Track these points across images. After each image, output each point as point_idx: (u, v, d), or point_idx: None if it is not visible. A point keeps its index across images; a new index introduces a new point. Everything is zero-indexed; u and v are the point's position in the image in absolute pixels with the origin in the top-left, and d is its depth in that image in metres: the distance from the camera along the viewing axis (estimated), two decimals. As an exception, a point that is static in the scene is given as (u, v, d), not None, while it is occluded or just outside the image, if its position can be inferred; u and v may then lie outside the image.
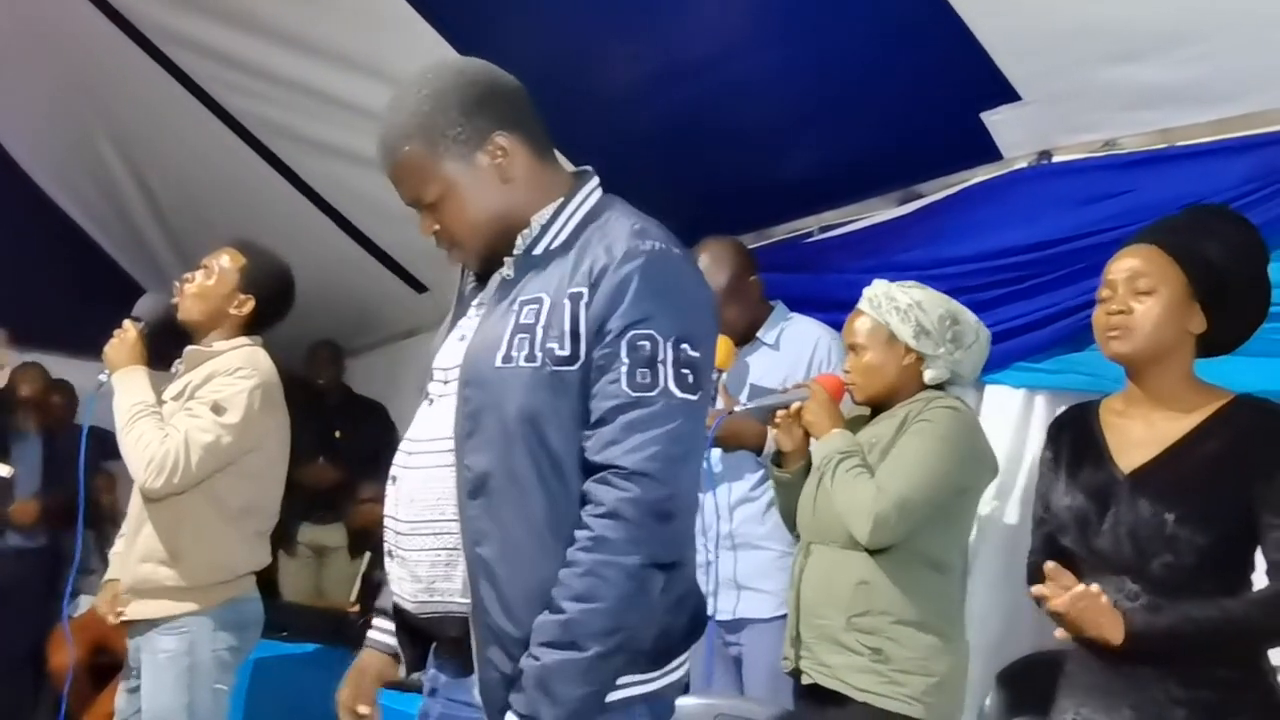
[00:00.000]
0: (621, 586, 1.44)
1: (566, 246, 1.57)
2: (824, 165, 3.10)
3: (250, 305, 2.78)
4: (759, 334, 2.85)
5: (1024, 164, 2.81)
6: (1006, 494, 2.72)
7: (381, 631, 1.74)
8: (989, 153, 2.85)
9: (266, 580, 3.20)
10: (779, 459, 2.46)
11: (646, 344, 1.47)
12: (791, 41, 2.80)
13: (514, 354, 1.51)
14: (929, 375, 2.34)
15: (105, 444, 2.94)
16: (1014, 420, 2.74)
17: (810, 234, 3.27)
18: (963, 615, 2.35)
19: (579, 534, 1.47)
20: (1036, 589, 1.82)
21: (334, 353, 5.00)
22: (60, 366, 4.86)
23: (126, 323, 2.76)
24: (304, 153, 4.07)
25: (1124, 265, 1.88)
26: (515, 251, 1.60)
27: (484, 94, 1.59)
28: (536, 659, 1.44)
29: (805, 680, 2.28)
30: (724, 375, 2.72)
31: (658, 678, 1.54)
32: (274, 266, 2.85)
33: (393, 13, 3.15)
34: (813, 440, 2.37)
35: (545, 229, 1.60)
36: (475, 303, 1.66)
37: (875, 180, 3.12)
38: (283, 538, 4.57)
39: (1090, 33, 2.43)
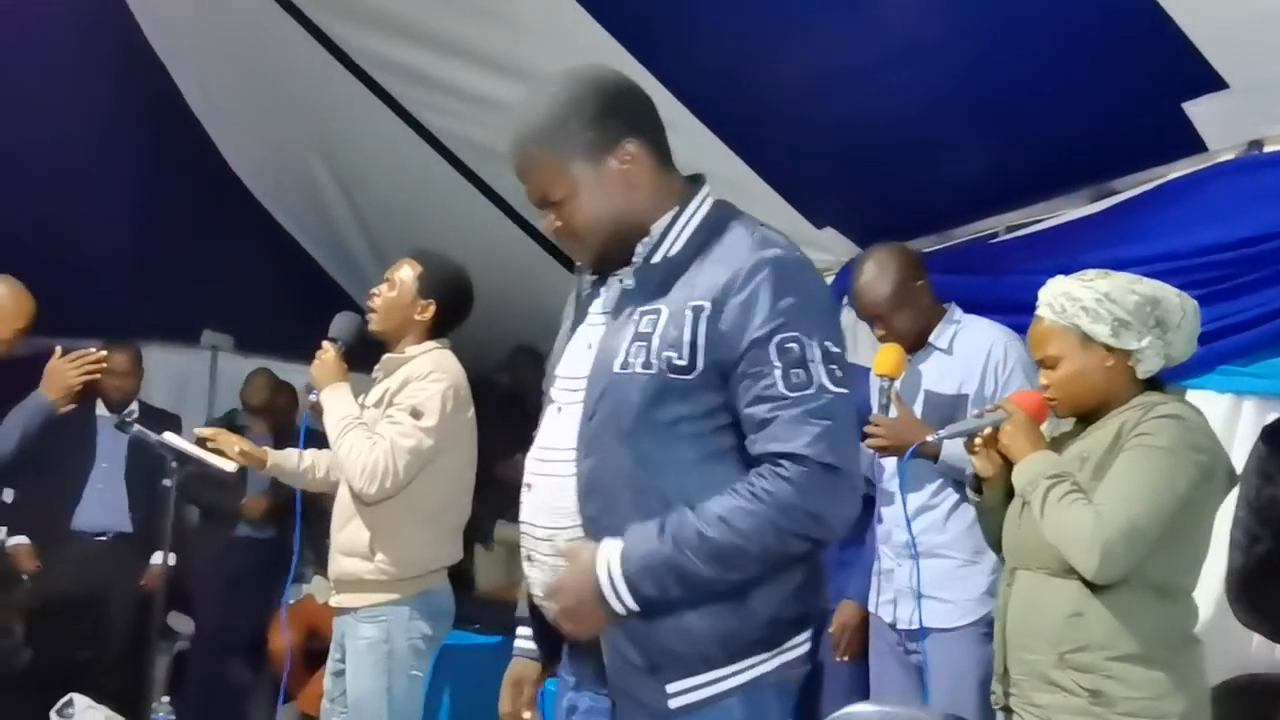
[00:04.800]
0: (768, 541, 1.53)
1: (684, 255, 1.64)
2: (1010, 163, 3.00)
3: (432, 309, 2.93)
4: (931, 339, 2.78)
5: (1230, 155, 2.65)
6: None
7: (526, 639, 1.83)
8: (1191, 145, 2.69)
9: (462, 573, 3.35)
10: (977, 484, 2.31)
11: (795, 346, 1.54)
12: (979, 35, 2.73)
13: (631, 360, 1.60)
14: (1142, 370, 2.09)
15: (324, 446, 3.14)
16: (1218, 427, 2.55)
17: (995, 234, 3.16)
18: (1195, 647, 2.08)
19: (754, 480, 1.53)
20: None
21: (534, 357, 5.19)
22: (282, 371, 5.26)
23: (325, 343, 2.95)
24: (494, 165, 4.24)
25: None
26: (635, 260, 1.66)
27: (617, 101, 1.65)
28: (665, 545, 1.52)
29: (1015, 718, 2.15)
30: (897, 383, 2.67)
31: (775, 655, 1.60)
32: (450, 270, 2.99)
33: (576, 26, 3.24)
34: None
35: (663, 237, 1.66)
36: (595, 310, 1.73)
37: (1066, 177, 2.99)
38: (479, 533, 4.77)
39: (1303, 14, 2.27)
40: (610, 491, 1.58)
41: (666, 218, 1.66)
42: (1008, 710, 2.17)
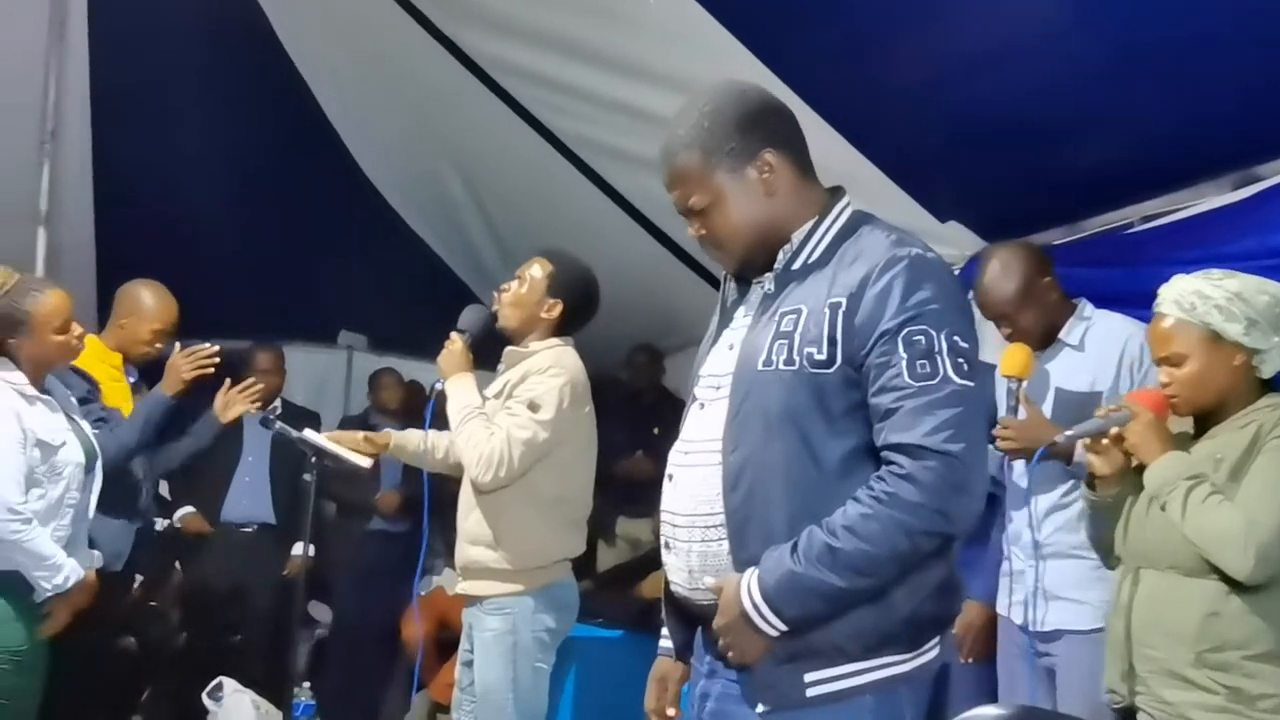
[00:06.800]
0: (897, 543, 1.56)
1: (823, 260, 1.70)
2: (1147, 150, 2.87)
3: (559, 309, 2.99)
4: (1061, 335, 2.70)
5: (1386, 137, 2.50)
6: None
7: (668, 638, 1.89)
8: (1345, 127, 2.55)
9: (585, 568, 3.40)
10: (1091, 482, 2.28)
11: (922, 338, 1.58)
12: (1114, 19, 2.62)
13: (774, 358, 1.65)
14: (1266, 370, 2.09)
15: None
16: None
17: (1129, 225, 3.04)
18: None
19: (874, 484, 1.57)
20: None
21: (652, 356, 5.24)
22: (412, 369, 5.44)
23: (453, 334, 3.05)
24: (618, 166, 4.29)
25: None
26: (776, 266, 1.73)
27: (758, 114, 1.74)
28: (799, 564, 1.57)
29: (1142, 718, 2.12)
30: (1024, 383, 2.63)
31: (913, 658, 1.63)
32: (578, 272, 3.05)
33: (696, 26, 3.25)
34: (1145, 464, 2.15)
35: (803, 244, 1.72)
36: (739, 314, 1.79)
37: (1206, 164, 2.85)
38: (601, 529, 4.83)
39: None
40: (756, 484, 1.63)
41: (806, 227, 1.73)
42: (1128, 711, 2.14)
